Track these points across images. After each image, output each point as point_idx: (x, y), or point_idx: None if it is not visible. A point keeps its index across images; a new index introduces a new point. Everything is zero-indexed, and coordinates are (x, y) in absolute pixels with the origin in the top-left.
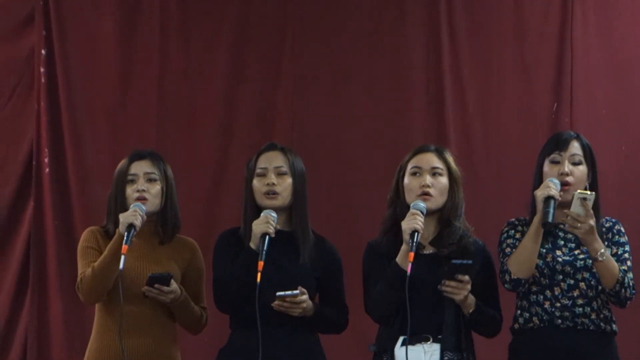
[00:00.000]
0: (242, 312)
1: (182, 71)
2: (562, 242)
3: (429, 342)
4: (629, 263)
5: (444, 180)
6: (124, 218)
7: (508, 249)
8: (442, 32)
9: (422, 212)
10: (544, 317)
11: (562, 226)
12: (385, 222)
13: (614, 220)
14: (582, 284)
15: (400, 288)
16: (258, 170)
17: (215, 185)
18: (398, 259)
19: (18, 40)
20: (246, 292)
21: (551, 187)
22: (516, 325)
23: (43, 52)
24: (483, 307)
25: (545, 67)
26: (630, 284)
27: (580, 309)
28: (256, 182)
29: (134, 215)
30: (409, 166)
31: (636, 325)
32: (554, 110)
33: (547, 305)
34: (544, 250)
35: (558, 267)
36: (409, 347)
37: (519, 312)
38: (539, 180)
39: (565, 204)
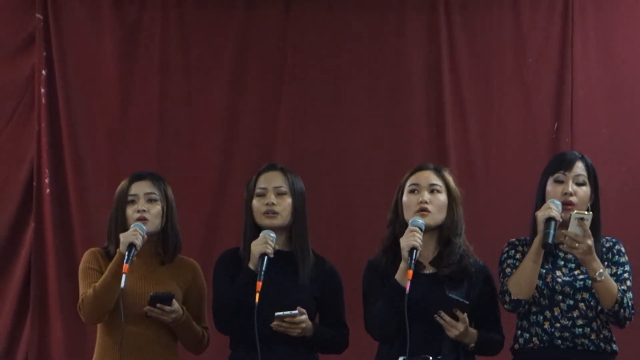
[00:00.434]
0: (241, 333)
1: (183, 92)
2: (562, 263)
3: None
4: (628, 283)
5: (442, 197)
6: (124, 237)
7: (508, 269)
8: (442, 53)
9: (420, 229)
10: (544, 338)
11: (561, 246)
12: (384, 241)
13: (614, 240)
14: (581, 305)
15: (400, 306)
16: (258, 190)
17: (216, 205)
18: (397, 276)
19: (18, 60)
20: (245, 313)
21: (552, 208)
22: (516, 346)
23: (43, 72)
24: (484, 337)
25: (546, 87)
26: (630, 304)
27: (580, 330)
28: (256, 202)
29: (134, 234)
30: (407, 184)
31: (637, 345)
32: (554, 130)
33: (546, 325)
34: (544, 271)
35: (558, 287)
36: None
37: (519, 332)
38: (541, 199)
39: (565, 224)
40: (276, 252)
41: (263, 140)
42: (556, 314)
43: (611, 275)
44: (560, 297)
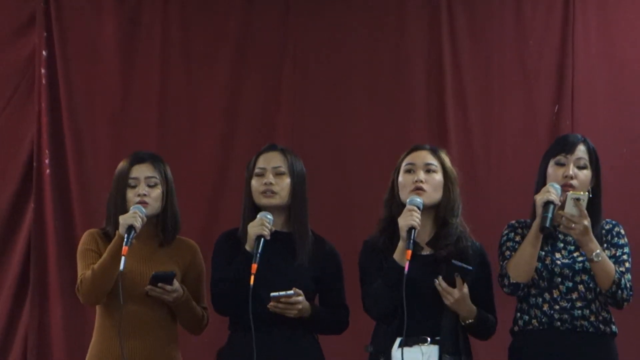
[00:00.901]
0: (240, 314)
1: (184, 72)
2: (562, 245)
3: (426, 344)
4: (627, 265)
5: (437, 176)
6: (123, 220)
7: (507, 252)
8: (443, 36)
9: (418, 208)
10: (543, 320)
11: (559, 227)
12: (381, 221)
13: (614, 222)
14: (580, 287)
15: (398, 285)
16: (257, 170)
17: (217, 187)
18: (395, 256)
19: (19, 41)
20: (243, 295)
21: (551, 192)
22: (516, 328)
23: (44, 53)
24: (483, 316)
25: (547, 70)
26: (628, 285)
27: (579, 312)
28: (254, 182)
29: (133, 216)
30: (403, 164)
31: (636, 327)
32: (555, 113)
33: (546, 307)
34: (543, 253)
35: (557, 269)
36: (407, 348)
37: (518, 314)
38: (542, 181)
39: (564, 206)
40: (275, 233)
41: (264, 122)
42: (555, 296)
43: (610, 257)
44: (560, 279)
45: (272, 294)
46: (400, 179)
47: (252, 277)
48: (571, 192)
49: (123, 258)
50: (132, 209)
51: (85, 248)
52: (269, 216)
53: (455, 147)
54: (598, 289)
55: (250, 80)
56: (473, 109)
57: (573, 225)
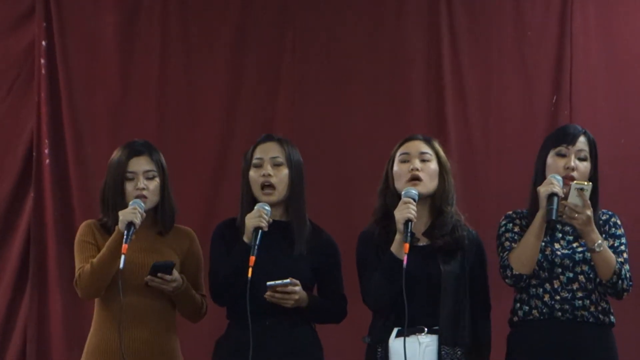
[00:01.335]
0: (238, 305)
1: (183, 64)
2: (560, 235)
3: (423, 334)
4: (625, 255)
5: (432, 165)
6: (123, 216)
7: (507, 243)
8: (442, 28)
9: (414, 200)
10: (544, 310)
11: (560, 218)
12: (376, 211)
13: (610, 212)
14: (581, 277)
15: (396, 278)
16: (254, 161)
17: (216, 176)
18: (393, 248)
19: (18, 31)
20: (241, 285)
21: (554, 183)
22: (515, 318)
23: (43, 43)
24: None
25: (545, 60)
26: (627, 275)
27: (580, 302)
28: (252, 173)
29: (133, 213)
30: (398, 153)
31: (634, 317)
32: (553, 103)
33: (547, 298)
34: (543, 244)
35: (557, 260)
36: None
37: (518, 305)
38: (541, 172)
39: (565, 197)
40: (273, 222)
41: (263, 113)
42: (556, 286)
43: (608, 247)
44: (560, 270)
45: (269, 283)
46: (395, 168)
47: (250, 270)
48: (575, 182)
49: (123, 257)
50: (131, 204)
51: (82, 240)
52: (267, 207)
53: (454, 137)
54: (598, 280)
55: (250, 71)
56: (472, 99)
57: (576, 215)
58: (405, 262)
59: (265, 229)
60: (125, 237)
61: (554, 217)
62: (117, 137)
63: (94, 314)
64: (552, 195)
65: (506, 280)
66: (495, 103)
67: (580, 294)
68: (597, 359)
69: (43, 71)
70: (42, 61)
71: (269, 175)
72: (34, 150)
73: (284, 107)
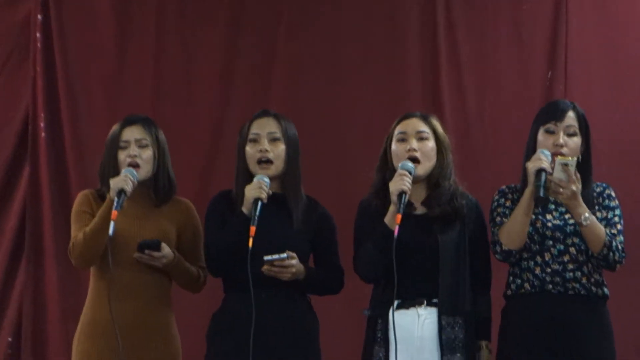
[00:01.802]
0: (234, 276)
1: (179, 35)
2: (553, 207)
3: (422, 306)
4: (619, 227)
5: (430, 143)
6: (114, 184)
7: (499, 218)
8: (437, 4)
9: (409, 172)
10: (536, 283)
11: (547, 195)
12: (374, 184)
13: (604, 185)
14: (572, 249)
15: (388, 249)
16: (251, 136)
17: (212, 149)
18: (386, 219)
19: (14, 5)
20: (238, 257)
21: (542, 159)
22: (509, 292)
23: (39, 17)
24: (486, 324)
25: (541, 35)
26: (619, 247)
27: (571, 274)
28: (249, 149)
29: (124, 180)
30: (395, 132)
31: (627, 289)
32: (548, 78)
33: (537, 271)
34: (534, 216)
35: (548, 232)
36: (403, 311)
37: (511, 278)
38: (532, 147)
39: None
40: (269, 195)
41: (259, 87)
42: (547, 259)
43: (602, 219)
44: (551, 242)
45: (266, 257)
46: (393, 147)
47: (251, 240)
48: (559, 157)
49: (112, 223)
50: (123, 172)
51: (79, 209)
52: (266, 179)
53: (449, 109)
54: (590, 252)
55: (245, 44)
56: (467, 71)
57: (561, 190)
58: (396, 233)
59: (265, 201)
60: (115, 204)
61: (542, 195)
62: (113, 111)
63: (90, 286)
64: (540, 170)
65: (496, 256)
66: (491, 75)
67: (571, 266)
68: (590, 332)
69: (39, 45)
70: (38, 35)
71: (266, 150)
72: (29, 124)
73: (279, 83)
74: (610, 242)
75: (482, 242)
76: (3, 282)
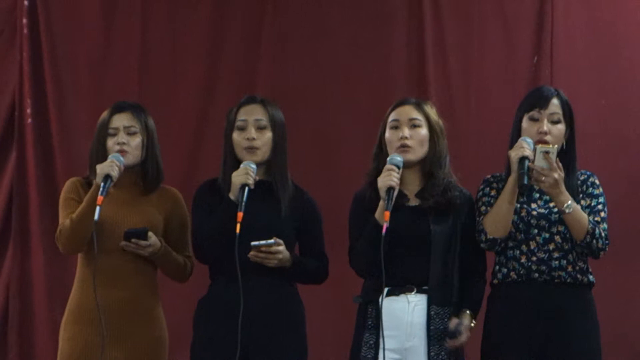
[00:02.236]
0: (221, 263)
1: (165, 23)
2: (537, 195)
3: (412, 293)
4: (602, 214)
5: (422, 131)
6: (100, 169)
7: (483, 208)
8: None
9: (398, 167)
10: (521, 272)
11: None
12: (369, 174)
13: (588, 172)
14: (557, 237)
15: (378, 244)
16: (238, 123)
17: (198, 134)
18: (377, 214)
19: None
20: (225, 243)
21: (525, 147)
22: (495, 281)
23: (26, 2)
24: (476, 301)
25: (526, 20)
26: (603, 234)
27: (557, 262)
28: (236, 136)
29: (110, 166)
30: (389, 120)
31: (612, 276)
32: (534, 63)
33: (523, 259)
34: (518, 205)
35: (533, 221)
36: (393, 297)
37: (497, 267)
38: (516, 135)
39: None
40: (256, 182)
41: (245, 72)
42: (532, 247)
43: (585, 207)
44: (536, 231)
45: (253, 243)
46: (386, 134)
47: (238, 226)
48: (540, 145)
49: (98, 208)
50: (109, 158)
51: (67, 196)
52: (253, 165)
53: (434, 95)
54: (574, 239)
55: (231, 28)
56: (452, 57)
57: (543, 178)
58: (384, 230)
59: (252, 187)
60: (101, 189)
61: (525, 182)
62: (100, 96)
63: (76, 272)
64: (522, 158)
65: (481, 245)
66: (476, 60)
67: (556, 255)
68: (575, 320)
69: (25, 30)
70: (25, 20)
71: (253, 138)
72: (16, 109)
73: (265, 64)
74: (594, 230)
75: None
76: None
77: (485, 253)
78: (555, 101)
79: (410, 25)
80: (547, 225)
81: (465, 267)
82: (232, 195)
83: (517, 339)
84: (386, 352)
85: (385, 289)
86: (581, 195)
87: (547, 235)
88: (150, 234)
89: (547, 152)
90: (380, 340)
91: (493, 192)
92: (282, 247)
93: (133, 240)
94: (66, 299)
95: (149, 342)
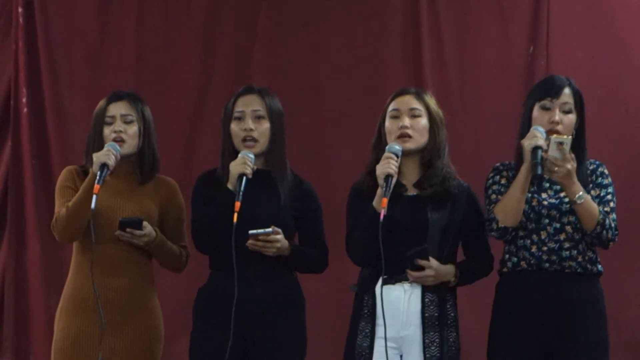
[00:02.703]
0: (221, 253)
1: (161, 9)
2: (548, 185)
3: (408, 282)
4: (612, 204)
5: (423, 121)
6: (97, 157)
7: (494, 196)
8: None
9: (396, 155)
10: (532, 261)
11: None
12: (368, 164)
13: (597, 162)
14: (568, 227)
15: (376, 231)
16: (236, 114)
17: (194, 126)
18: (374, 202)
19: None
20: (224, 233)
21: (538, 136)
22: (505, 269)
23: None
24: (465, 269)
25: (522, 10)
26: (612, 225)
27: (567, 252)
28: (234, 126)
29: (107, 154)
30: (389, 109)
31: (620, 265)
32: (530, 53)
33: (534, 249)
34: (529, 195)
35: (544, 211)
36: (390, 286)
37: (507, 256)
38: (527, 123)
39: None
40: (255, 171)
41: (241, 61)
42: (543, 237)
43: (595, 197)
44: (547, 221)
45: (251, 231)
46: (386, 124)
47: (236, 215)
48: (554, 135)
49: (94, 197)
50: (105, 147)
51: (63, 185)
52: (251, 155)
53: (430, 83)
54: (584, 230)
55: (227, 18)
56: (448, 46)
57: (556, 168)
58: (382, 217)
59: (250, 176)
60: (97, 178)
61: (539, 172)
62: (95, 86)
63: (72, 260)
64: (536, 148)
65: (492, 233)
66: (472, 49)
67: (567, 245)
68: (585, 309)
69: (21, 20)
70: (20, 10)
71: (251, 129)
72: (11, 99)
73: (261, 54)
74: (604, 220)
75: (478, 225)
76: None
77: (488, 242)
78: (567, 91)
79: (406, 15)
80: (558, 215)
81: (470, 257)
82: (230, 185)
83: (526, 327)
84: (382, 340)
85: (381, 278)
86: (591, 186)
87: (558, 225)
88: (145, 223)
89: (561, 143)
90: (379, 328)
91: (503, 181)
92: (280, 236)
93: (128, 229)
94: (62, 287)
95: (144, 331)
